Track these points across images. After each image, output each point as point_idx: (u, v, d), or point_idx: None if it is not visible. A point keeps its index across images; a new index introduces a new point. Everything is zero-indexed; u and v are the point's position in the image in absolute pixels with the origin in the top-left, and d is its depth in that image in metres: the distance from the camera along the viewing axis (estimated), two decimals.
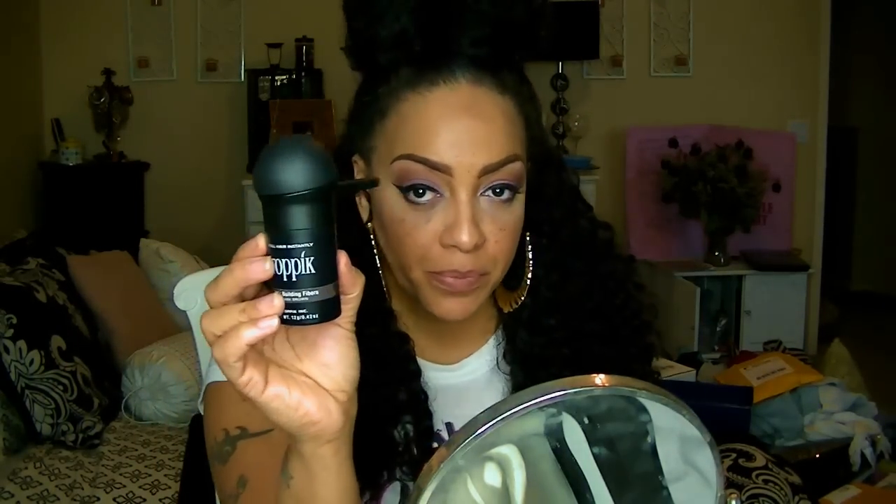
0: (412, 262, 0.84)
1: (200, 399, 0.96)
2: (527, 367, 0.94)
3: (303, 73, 4.48)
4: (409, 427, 0.91)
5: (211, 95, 4.64)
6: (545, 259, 0.92)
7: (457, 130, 0.80)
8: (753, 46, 4.87)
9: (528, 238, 0.90)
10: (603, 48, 4.78)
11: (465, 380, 0.96)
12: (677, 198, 4.52)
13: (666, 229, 4.77)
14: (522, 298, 0.92)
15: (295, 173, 0.60)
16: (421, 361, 0.94)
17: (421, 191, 0.82)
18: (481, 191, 0.82)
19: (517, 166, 0.83)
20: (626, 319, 0.96)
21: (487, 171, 0.81)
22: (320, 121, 4.22)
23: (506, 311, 0.95)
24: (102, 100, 4.35)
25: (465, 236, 0.80)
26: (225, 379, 0.83)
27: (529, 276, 0.91)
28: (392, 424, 0.90)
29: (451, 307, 0.85)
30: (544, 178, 0.92)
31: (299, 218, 0.60)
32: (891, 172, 6.02)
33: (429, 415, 0.92)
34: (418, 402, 0.91)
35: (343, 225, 0.77)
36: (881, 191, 6.10)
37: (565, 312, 0.93)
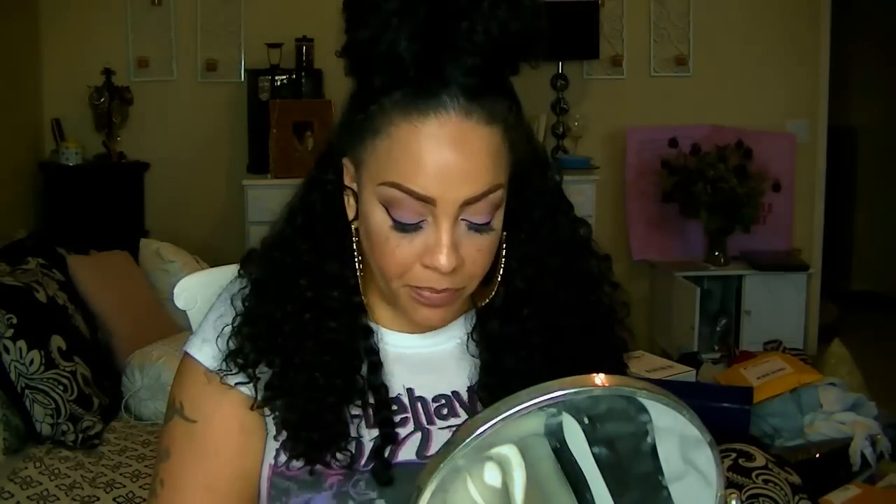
0: (392, 276, 0.90)
1: None
2: (494, 350, 0.97)
3: (303, 73, 4.47)
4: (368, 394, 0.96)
5: (211, 95, 4.64)
6: (522, 253, 0.97)
7: (443, 165, 0.84)
8: (753, 46, 4.87)
9: (504, 235, 0.94)
10: (603, 48, 4.77)
11: (432, 350, 1.01)
12: (677, 198, 4.52)
13: (666, 229, 4.77)
14: (494, 292, 0.97)
15: None
16: (384, 330, 1.00)
17: (410, 221, 0.87)
18: (461, 217, 0.87)
19: (498, 195, 0.88)
20: (600, 316, 1.00)
21: (469, 202, 0.86)
22: (320, 121, 4.22)
23: (480, 304, 0.99)
24: (102, 100, 4.36)
25: (444, 261, 0.86)
26: (198, 356, 0.96)
27: (501, 272, 0.96)
28: (347, 397, 0.95)
29: (428, 315, 0.92)
30: (528, 178, 0.96)
31: None
32: (891, 172, 6.02)
33: (378, 367, 0.96)
34: (372, 362, 0.96)
35: (328, 218, 0.94)
36: (881, 191, 6.10)
37: (539, 304, 0.97)
